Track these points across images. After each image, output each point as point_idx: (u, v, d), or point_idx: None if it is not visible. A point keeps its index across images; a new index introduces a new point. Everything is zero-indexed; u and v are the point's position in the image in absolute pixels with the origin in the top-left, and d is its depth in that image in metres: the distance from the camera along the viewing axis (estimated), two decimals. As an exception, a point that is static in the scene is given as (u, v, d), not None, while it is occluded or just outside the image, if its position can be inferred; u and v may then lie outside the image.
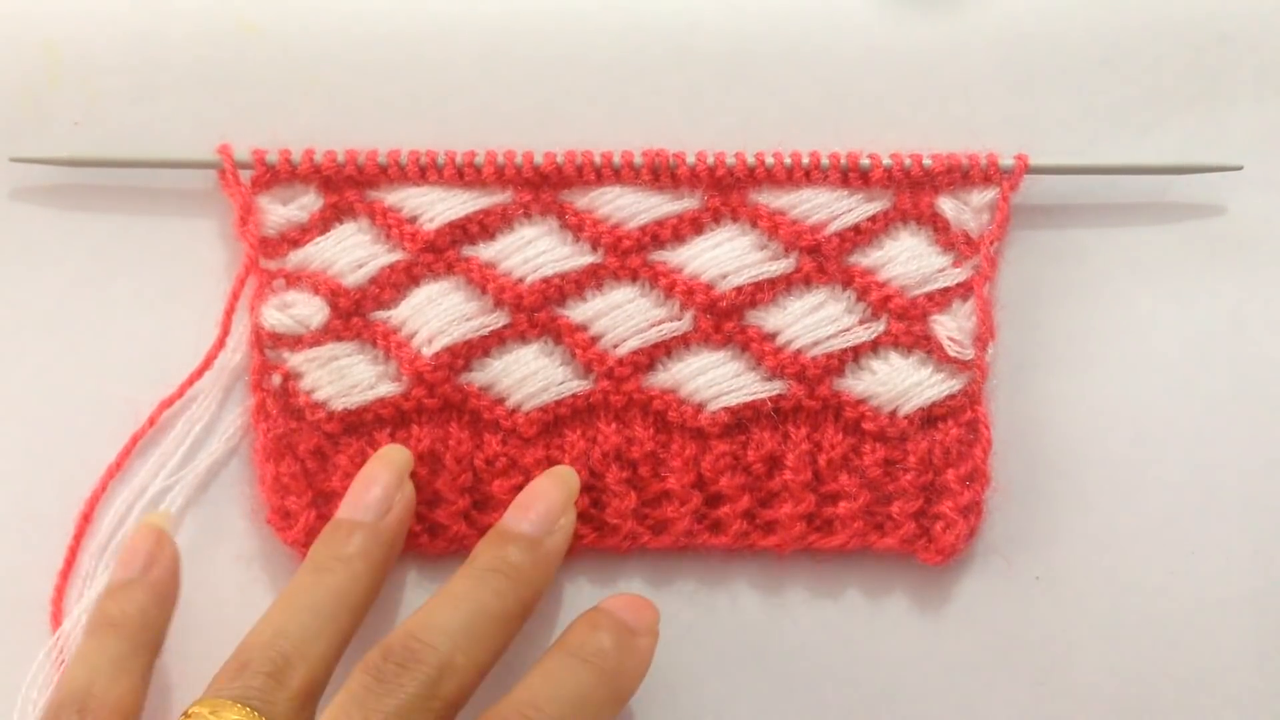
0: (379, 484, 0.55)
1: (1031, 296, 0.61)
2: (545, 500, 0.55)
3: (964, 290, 0.60)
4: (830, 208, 0.59)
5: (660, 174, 0.59)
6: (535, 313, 0.59)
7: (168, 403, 0.59)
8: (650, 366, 0.59)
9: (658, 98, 0.61)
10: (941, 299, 0.60)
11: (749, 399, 0.59)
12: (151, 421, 0.59)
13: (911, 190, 0.60)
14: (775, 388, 0.59)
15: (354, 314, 0.59)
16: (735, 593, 0.60)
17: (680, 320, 0.59)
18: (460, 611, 0.51)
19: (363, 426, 0.58)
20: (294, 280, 0.59)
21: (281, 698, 0.49)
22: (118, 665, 0.51)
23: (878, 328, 0.59)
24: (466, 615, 0.51)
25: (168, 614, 0.55)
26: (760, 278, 0.59)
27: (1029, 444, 0.60)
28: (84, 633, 0.54)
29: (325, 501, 0.58)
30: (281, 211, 0.59)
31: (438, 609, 0.51)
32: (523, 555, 0.53)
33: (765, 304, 0.59)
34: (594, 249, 0.59)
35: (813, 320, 0.59)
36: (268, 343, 0.59)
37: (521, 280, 0.59)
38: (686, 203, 0.60)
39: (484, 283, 0.59)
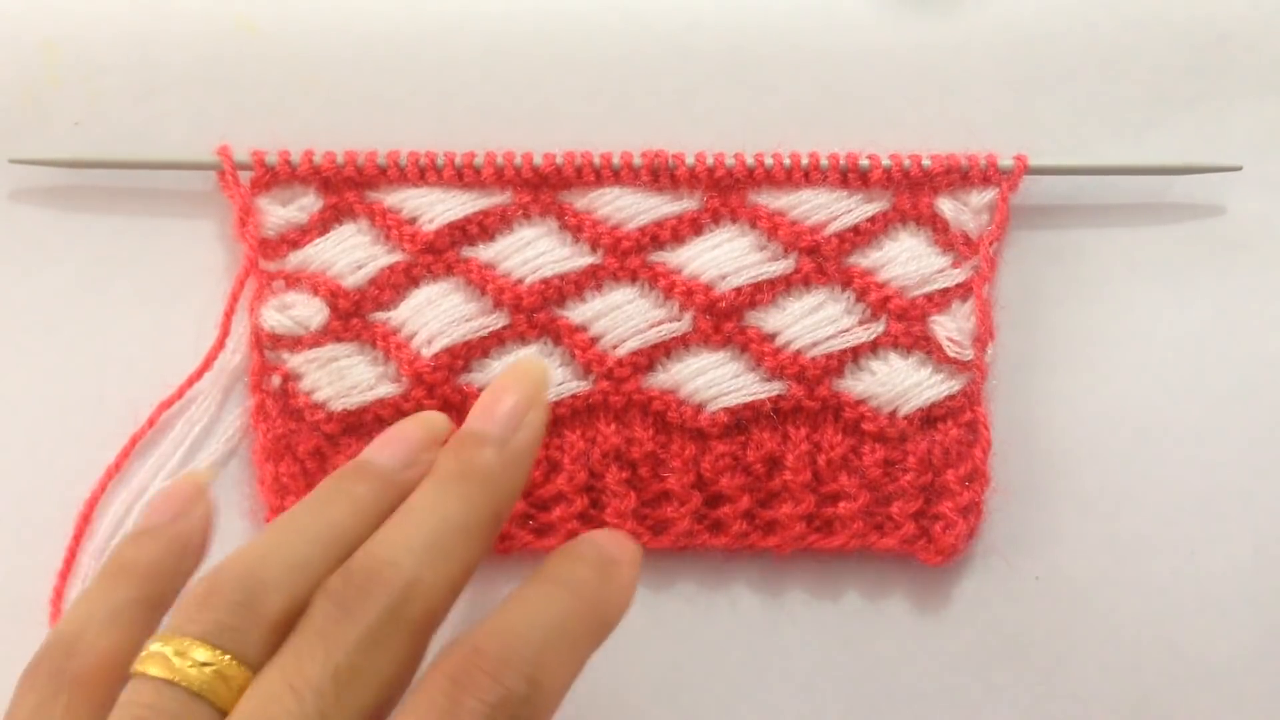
0: (407, 438, 0.51)
1: (1031, 297, 0.61)
2: (510, 395, 0.50)
3: (963, 291, 0.60)
4: (830, 208, 0.59)
5: (660, 175, 0.59)
6: (534, 314, 0.59)
7: (167, 404, 0.59)
8: (650, 367, 0.59)
9: (657, 98, 0.61)
10: (941, 299, 0.60)
11: (749, 399, 0.59)
12: (151, 422, 0.59)
13: (911, 191, 0.60)
14: (775, 388, 0.59)
15: (353, 315, 0.59)
16: (735, 593, 0.60)
17: (680, 321, 0.59)
18: (425, 525, 0.46)
19: (362, 427, 0.59)
20: (293, 281, 0.59)
21: (254, 633, 0.44)
22: (117, 612, 0.47)
23: (877, 328, 0.59)
24: (432, 528, 0.46)
25: (185, 569, 0.50)
26: (760, 278, 0.59)
27: (1029, 444, 0.60)
28: (96, 574, 0.49)
29: (325, 502, 0.58)
30: (281, 213, 0.59)
31: (400, 525, 0.46)
32: (490, 458, 0.48)
33: (765, 305, 0.59)
34: (593, 250, 0.59)
35: (812, 321, 0.59)
36: (267, 344, 0.59)
37: (521, 281, 0.59)
38: (686, 204, 0.60)
39: (483, 284, 0.59)
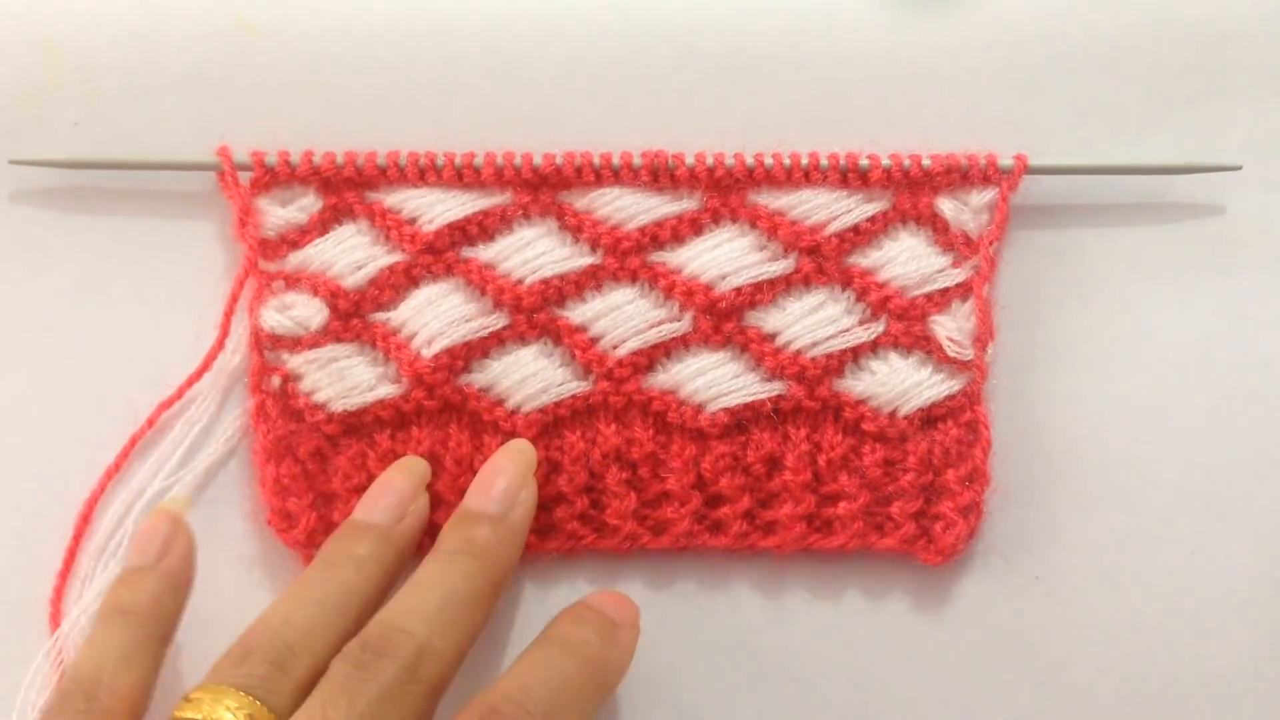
0: (395, 491, 0.56)
1: (1031, 296, 0.61)
2: (505, 476, 0.55)
3: (963, 290, 0.60)
4: (830, 208, 0.59)
5: (659, 175, 0.59)
6: (534, 314, 0.59)
7: (167, 404, 0.59)
8: (650, 367, 0.59)
9: (657, 98, 0.61)
10: (941, 299, 0.60)
11: (749, 400, 0.59)
12: (150, 423, 0.59)
13: (911, 191, 0.60)
14: (775, 388, 0.59)
15: (353, 315, 0.59)
16: (735, 593, 0.60)
17: (680, 321, 0.59)
18: (432, 596, 0.51)
19: (362, 428, 0.59)
20: (293, 282, 0.59)
21: (284, 687, 0.49)
22: (127, 654, 0.51)
23: (877, 328, 0.59)
24: (438, 599, 0.51)
25: (181, 602, 0.54)
26: (760, 278, 0.59)
27: (1029, 444, 0.60)
28: (96, 620, 0.53)
29: (325, 503, 0.58)
30: (281, 213, 0.59)
31: (409, 597, 0.51)
32: (488, 534, 0.54)
33: (765, 305, 0.59)
34: (593, 250, 0.59)
35: (812, 321, 0.59)
36: (267, 344, 0.59)
37: (521, 281, 0.59)
38: (686, 204, 0.59)
39: (483, 284, 0.59)
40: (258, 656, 0.49)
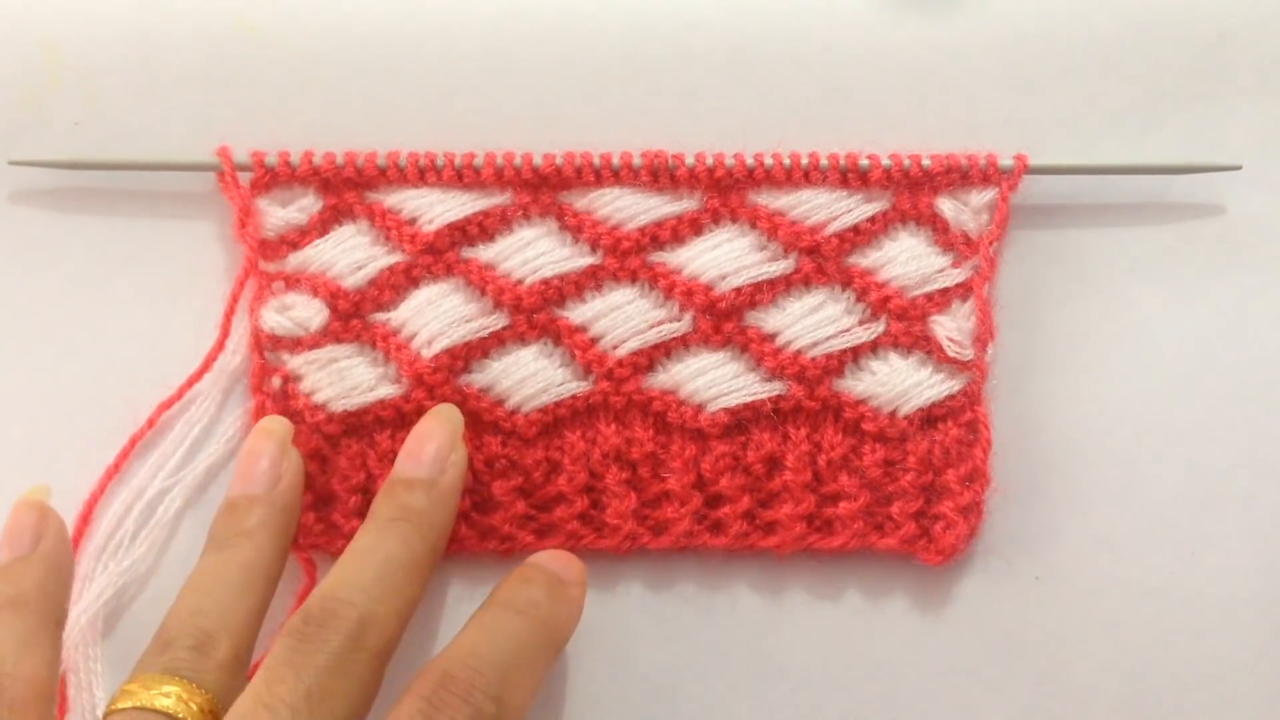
0: (265, 455, 0.56)
1: (1031, 296, 0.61)
2: (433, 441, 0.55)
3: (963, 290, 0.60)
4: (829, 208, 0.59)
5: (659, 175, 0.59)
6: (535, 314, 0.59)
7: (167, 404, 0.59)
8: (650, 367, 0.59)
9: (657, 98, 0.61)
10: (941, 299, 0.60)
11: (749, 400, 0.59)
12: (150, 423, 0.59)
13: (911, 191, 0.60)
14: (775, 388, 0.59)
15: (353, 316, 0.59)
16: (735, 593, 0.60)
17: (680, 321, 0.59)
18: (370, 565, 0.51)
19: (363, 428, 0.59)
20: (293, 282, 0.59)
21: (209, 666, 0.49)
22: (25, 641, 0.51)
23: (877, 328, 0.59)
24: (377, 567, 0.51)
25: (66, 585, 0.54)
26: (759, 278, 0.59)
27: (1029, 444, 0.60)
28: None
29: (325, 503, 0.58)
30: (281, 214, 0.59)
31: (348, 567, 0.51)
32: (421, 499, 0.54)
33: (765, 305, 0.59)
34: (593, 250, 0.59)
35: (812, 321, 0.59)
36: (267, 345, 0.59)
37: (521, 282, 0.59)
38: (686, 204, 0.59)
39: (483, 284, 0.59)
40: (179, 643, 0.50)
